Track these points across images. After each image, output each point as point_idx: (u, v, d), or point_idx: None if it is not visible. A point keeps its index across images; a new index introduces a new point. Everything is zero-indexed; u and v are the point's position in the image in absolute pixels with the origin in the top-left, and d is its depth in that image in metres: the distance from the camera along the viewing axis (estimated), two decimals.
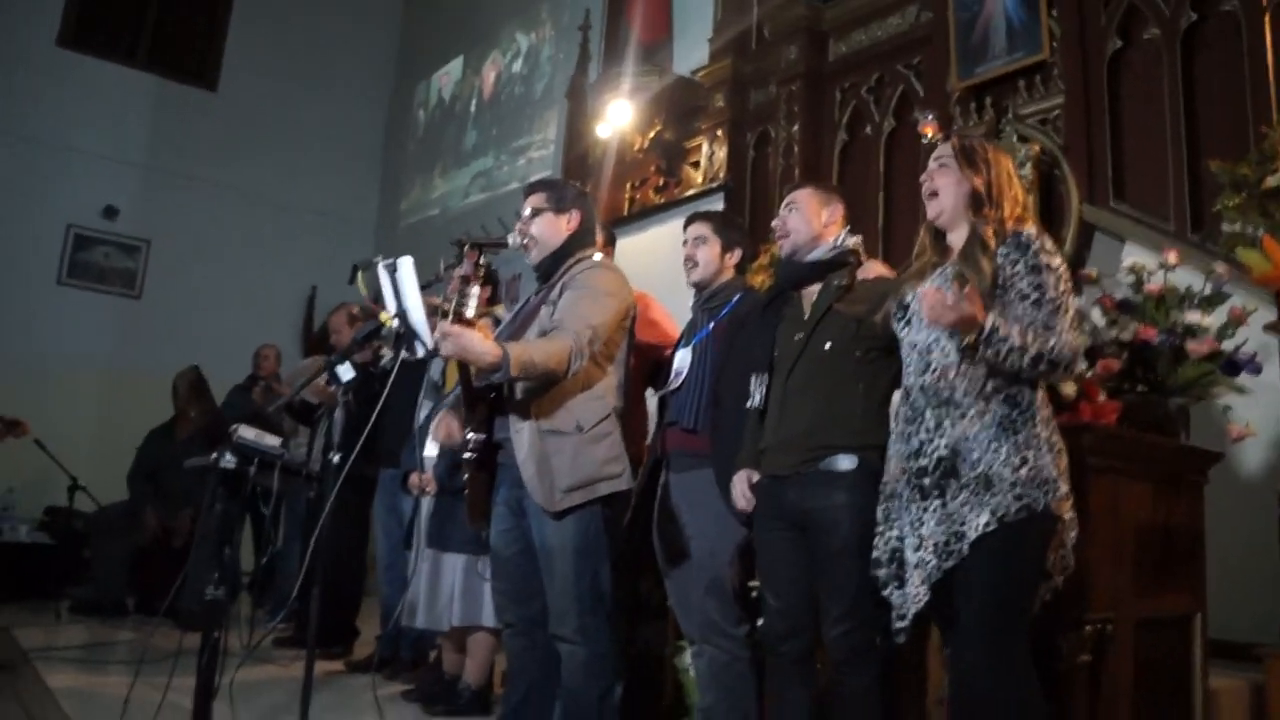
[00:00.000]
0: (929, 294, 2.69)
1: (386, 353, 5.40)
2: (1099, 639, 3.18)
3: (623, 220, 7.79)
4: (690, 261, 3.90)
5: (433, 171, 11.33)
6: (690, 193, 7.45)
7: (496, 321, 3.95)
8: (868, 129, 6.40)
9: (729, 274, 3.92)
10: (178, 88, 10.65)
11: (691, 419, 3.70)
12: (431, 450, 4.53)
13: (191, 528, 6.90)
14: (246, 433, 3.67)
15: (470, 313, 3.15)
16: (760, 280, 5.17)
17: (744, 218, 6.75)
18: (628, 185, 8.14)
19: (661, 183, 7.80)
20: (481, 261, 3.33)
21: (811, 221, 3.46)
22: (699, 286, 3.92)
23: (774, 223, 3.50)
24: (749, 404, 3.38)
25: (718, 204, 7.11)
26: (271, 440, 3.69)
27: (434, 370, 5.00)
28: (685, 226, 3.97)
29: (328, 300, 9.76)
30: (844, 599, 3.04)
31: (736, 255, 3.93)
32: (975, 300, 2.66)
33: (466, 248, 3.36)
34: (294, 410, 5.98)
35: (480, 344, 3.12)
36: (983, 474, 2.72)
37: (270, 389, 7.42)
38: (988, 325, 2.68)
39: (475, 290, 3.19)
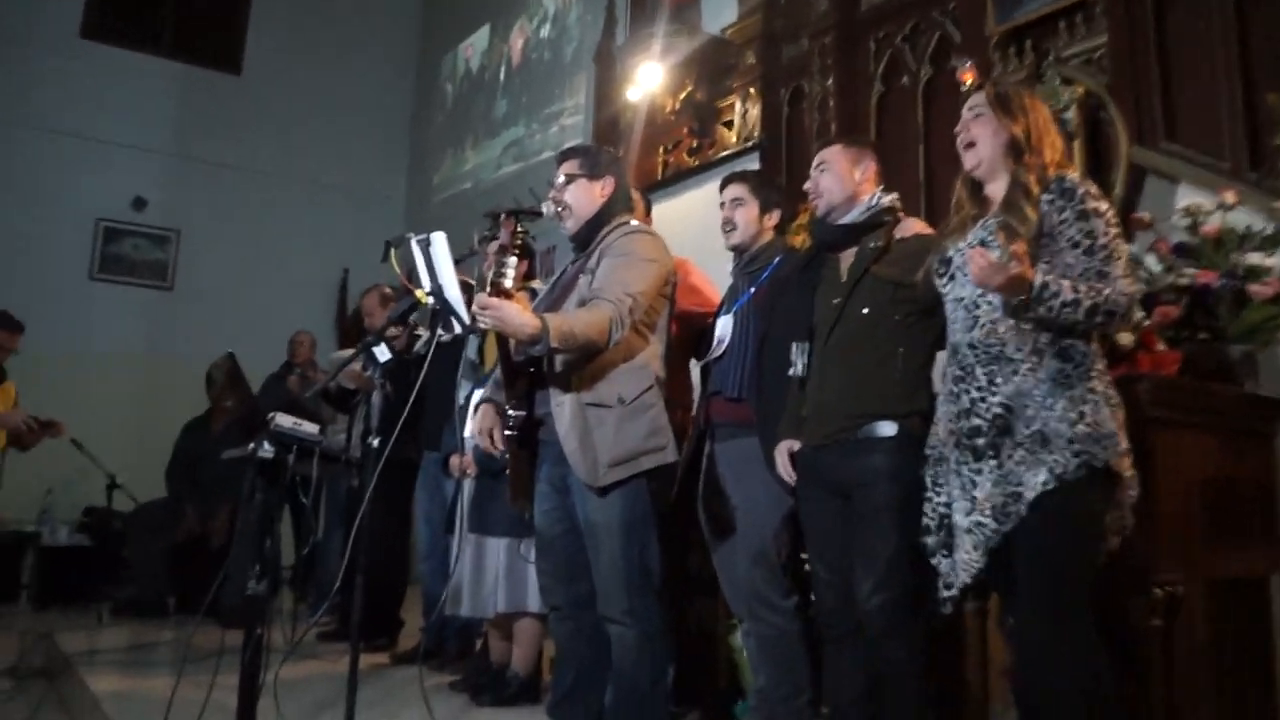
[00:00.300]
0: (975, 255, 2.66)
1: (422, 332, 5.43)
2: (1169, 603, 3.11)
3: (656, 185, 7.68)
4: (728, 224, 3.89)
5: (464, 144, 11.34)
6: (725, 153, 7.33)
7: (533, 295, 3.94)
8: (904, 79, 6.26)
9: (768, 236, 3.91)
10: (202, 73, 10.70)
11: (735, 388, 3.71)
12: (471, 431, 4.38)
13: (231, 523, 6.89)
14: (284, 420, 3.67)
15: (508, 284, 3.14)
16: (800, 240, 5.12)
17: (781, 177, 6.63)
18: (660, 149, 8.03)
19: (695, 144, 7.67)
20: (519, 230, 3.33)
21: (844, 180, 3.44)
22: (738, 250, 3.91)
23: (806, 185, 3.48)
24: (791, 372, 3.38)
25: (753, 164, 6.98)
26: (309, 427, 3.69)
27: (470, 349, 5.01)
28: (721, 188, 3.96)
29: (361, 283, 9.75)
30: (878, 565, 3.02)
31: (775, 216, 3.92)
32: (1024, 258, 2.64)
33: (502, 217, 3.37)
34: (331, 397, 5.97)
35: (519, 315, 3.11)
36: (1038, 431, 2.68)
37: (306, 376, 7.42)
38: (1037, 282, 2.65)
39: (513, 261, 3.18)
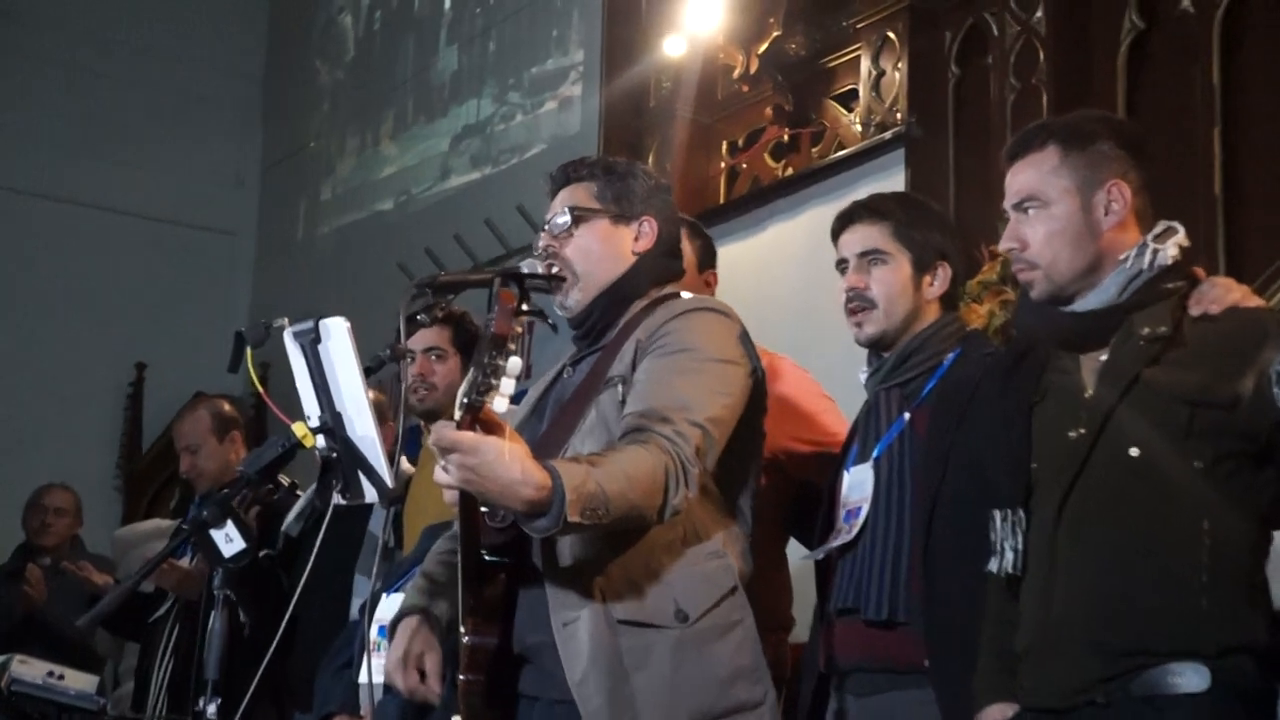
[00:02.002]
0: None
1: (302, 494, 5.51)
2: None
3: (713, 213, 7.51)
4: (858, 300, 3.94)
5: (371, 130, 11.39)
6: (839, 154, 7.19)
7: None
8: (1183, 2, 6.07)
9: (932, 313, 3.96)
10: None
11: (880, 601, 3.72)
12: (380, 675, 4.32)
13: None
14: (27, 673, 3.72)
15: (501, 403, 3.12)
16: (987, 312, 5.26)
17: (947, 197, 6.46)
18: (722, 146, 7.91)
19: (786, 138, 7.54)
20: (525, 305, 3.42)
21: (1077, 229, 3.36)
22: (877, 344, 3.96)
23: (1003, 244, 3.46)
24: (990, 567, 3.34)
25: (893, 176, 6.82)
26: (73, 682, 3.77)
27: (377, 521, 5.10)
28: (838, 230, 4.05)
29: (166, 388, 10.17)
30: None
31: (942, 278, 3.97)
32: None
33: (496, 284, 3.37)
34: (118, 617, 5.83)
35: (512, 466, 3.09)
36: None
37: (62, 571, 7.28)
38: None
39: (514, 365, 3.13)
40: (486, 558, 3.43)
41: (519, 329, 3.28)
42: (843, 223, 4.03)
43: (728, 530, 3.54)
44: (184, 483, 7.08)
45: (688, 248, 4.34)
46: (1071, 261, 3.36)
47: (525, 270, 3.56)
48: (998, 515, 3.35)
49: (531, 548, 3.40)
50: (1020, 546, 3.30)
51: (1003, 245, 3.48)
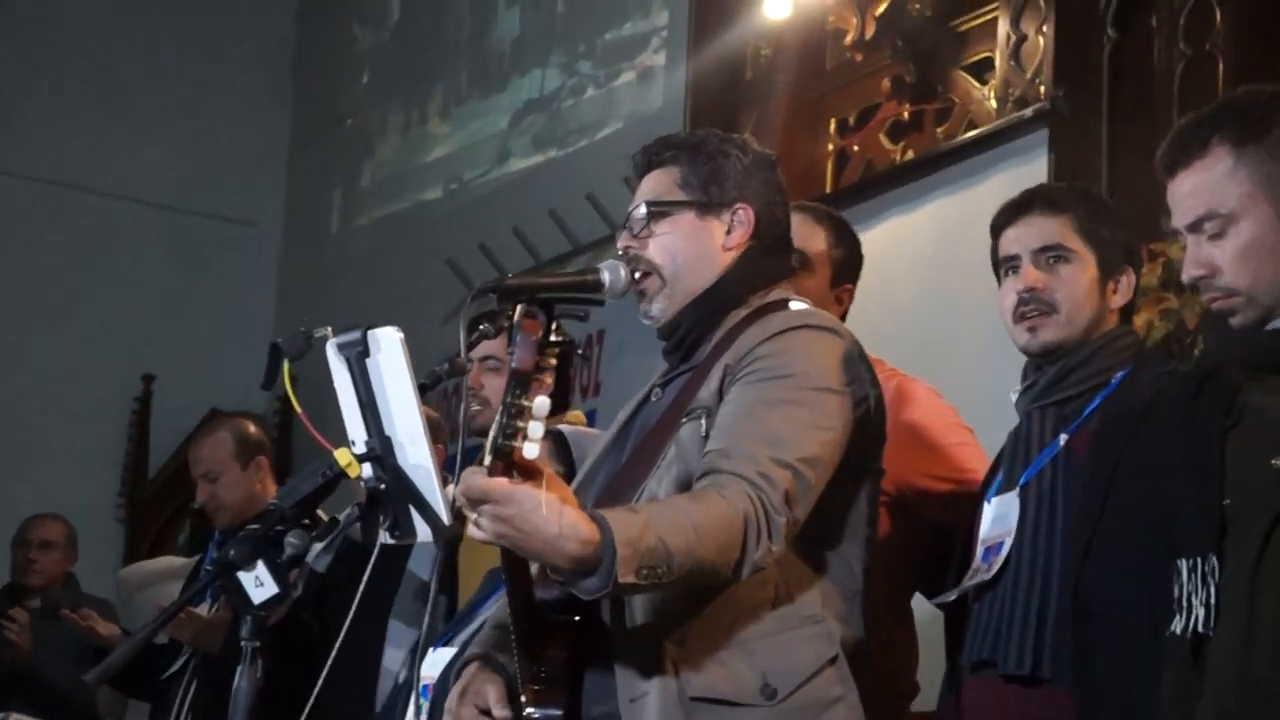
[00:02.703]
0: None
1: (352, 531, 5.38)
2: None
3: (823, 200, 7.19)
4: (1035, 304, 3.93)
5: (421, 106, 11.39)
6: (970, 135, 7.14)
7: (562, 446, 4.24)
8: None
9: (1110, 324, 3.99)
10: None
11: (1022, 653, 3.71)
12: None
13: None
14: None
15: (531, 449, 3.10)
16: (1145, 323, 5.37)
17: (1099, 186, 6.30)
18: (830, 125, 7.92)
19: (906, 115, 7.55)
20: (555, 335, 3.33)
21: (1276, 244, 3.28)
22: (1050, 355, 3.95)
23: (1188, 273, 3.34)
24: (1174, 628, 3.22)
25: (1034, 161, 6.82)
26: None
27: (417, 560, 5.14)
28: (1008, 221, 4.05)
29: (177, 404, 10.29)
30: None
31: (1126, 286, 4.03)
32: None
33: (519, 312, 3.35)
34: (126, 672, 5.69)
35: (552, 519, 3.09)
36: None
37: (58, 612, 7.29)
38: None
39: (541, 404, 3.14)
40: (548, 616, 3.44)
41: (550, 360, 3.25)
42: (1015, 212, 4.02)
43: (828, 589, 3.53)
44: (196, 513, 7.20)
45: (820, 251, 4.52)
46: (1276, 276, 3.28)
47: (606, 276, 3.55)
48: (1184, 565, 3.24)
49: (599, 602, 3.37)
50: (1213, 600, 3.20)
51: (1187, 275, 3.36)
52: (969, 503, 4.11)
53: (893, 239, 7.22)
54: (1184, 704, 3.22)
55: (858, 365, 3.59)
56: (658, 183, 3.74)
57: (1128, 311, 4.03)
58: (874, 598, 3.63)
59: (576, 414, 5.21)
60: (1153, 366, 3.89)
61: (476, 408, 4.87)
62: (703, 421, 3.50)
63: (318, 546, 5.34)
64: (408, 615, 5.14)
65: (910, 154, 7.47)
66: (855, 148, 7.77)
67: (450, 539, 3.53)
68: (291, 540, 3.56)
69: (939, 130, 7.40)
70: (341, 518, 4.64)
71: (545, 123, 10.29)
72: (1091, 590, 3.60)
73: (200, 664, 5.84)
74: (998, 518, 3.86)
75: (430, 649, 4.57)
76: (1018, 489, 3.84)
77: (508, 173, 10.43)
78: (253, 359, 10.54)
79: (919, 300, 6.77)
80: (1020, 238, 3.97)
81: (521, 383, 3.15)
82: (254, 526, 3.55)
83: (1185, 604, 3.18)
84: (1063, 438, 3.82)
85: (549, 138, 10.22)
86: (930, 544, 4.35)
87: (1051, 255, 3.93)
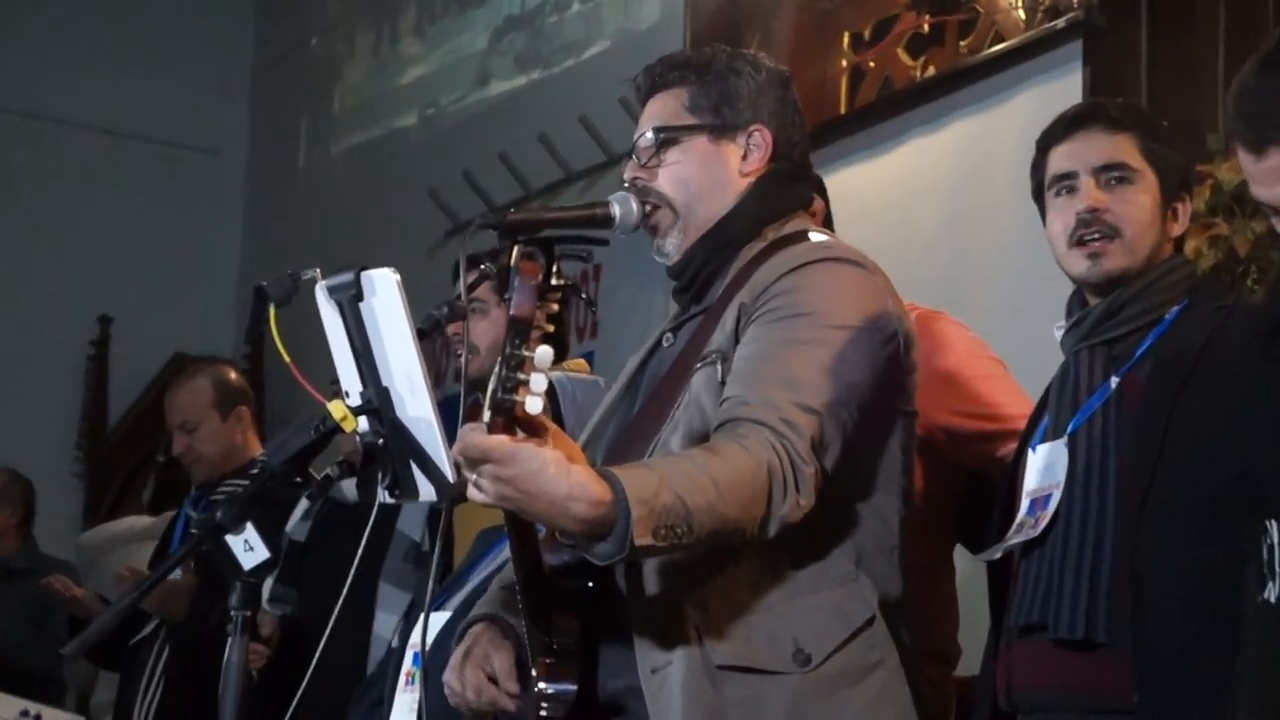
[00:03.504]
0: None
1: (344, 488, 5.45)
2: None
3: (831, 127, 7.57)
4: (1099, 226, 3.88)
5: (392, 24, 11.32)
6: (996, 49, 7.06)
7: (557, 402, 4.19)
8: None
9: (1165, 254, 3.97)
10: None
11: (1074, 616, 3.67)
12: (411, 716, 4.68)
13: None
14: None
15: (534, 403, 3.10)
16: (1193, 251, 5.31)
17: (1139, 99, 6.23)
18: (843, 39, 7.81)
19: (926, 28, 7.46)
20: (556, 278, 3.32)
21: None
22: (1114, 285, 3.92)
23: (1262, 192, 3.17)
24: (1267, 596, 3.16)
25: (1067, 77, 6.75)
26: None
27: (407, 520, 5.28)
28: (1064, 134, 3.98)
29: (138, 348, 10.37)
30: None
31: (1183, 214, 4.02)
32: None
33: (516, 253, 3.33)
34: (101, 644, 5.73)
35: (558, 478, 3.08)
36: None
37: (42, 586, 7.21)
38: None
39: (544, 354, 3.14)
40: (558, 583, 3.46)
41: (553, 305, 3.25)
42: (1072, 126, 3.97)
43: (862, 544, 3.53)
44: (162, 467, 7.22)
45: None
46: None
47: (617, 210, 3.55)
48: (1275, 527, 3.18)
49: (613, 567, 3.37)
50: None
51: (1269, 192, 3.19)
52: (1005, 444, 4.16)
53: (913, 164, 7.24)
54: (1269, 694, 3.21)
55: (885, 299, 3.59)
56: (664, 106, 3.74)
57: (1179, 242, 4.01)
58: (911, 552, 3.65)
59: (578, 361, 5.23)
60: (1208, 301, 3.85)
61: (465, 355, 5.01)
62: (718, 367, 3.50)
63: (298, 513, 5.54)
64: (397, 578, 5.24)
65: (931, 70, 7.34)
66: (871, 64, 7.64)
67: (454, 498, 3.48)
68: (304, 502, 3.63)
69: (962, 44, 7.24)
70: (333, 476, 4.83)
71: (529, 40, 10.23)
72: (1147, 550, 3.58)
73: (171, 630, 5.88)
74: (1045, 468, 3.82)
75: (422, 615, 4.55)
76: (1066, 437, 3.80)
77: (489, 96, 10.40)
78: (218, 299, 10.55)
79: (942, 230, 6.74)
80: (1079, 153, 3.92)
81: (521, 331, 3.13)
82: (237, 482, 3.56)
83: (1268, 562, 3.15)
84: (1114, 380, 3.78)
85: (533, 57, 10.16)
86: (967, 491, 4.38)
87: (1114, 175, 3.87)
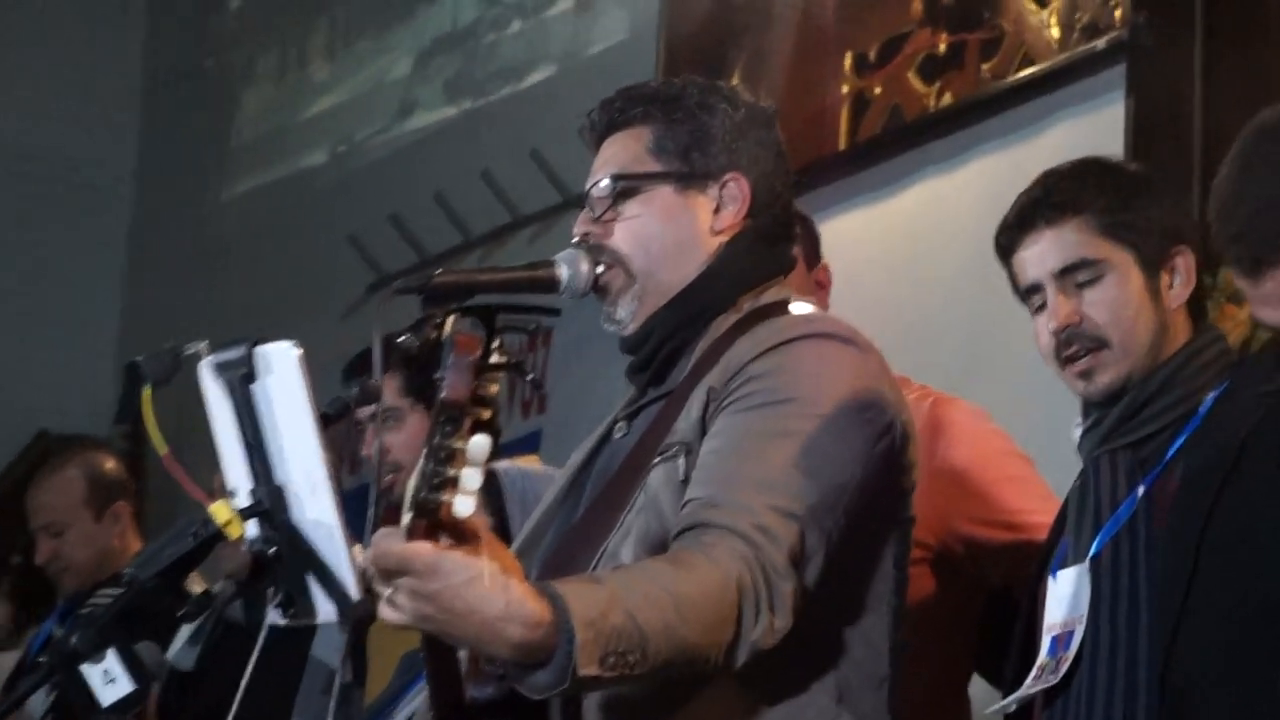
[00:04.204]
0: None
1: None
2: None
3: (829, 165, 7.55)
4: (1078, 343, 3.95)
5: (298, 41, 11.48)
6: (1025, 73, 7.04)
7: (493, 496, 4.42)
8: None
9: (1181, 333, 4.02)
10: None
11: None
12: None
13: None
14: None
15: (464, 504, 2.95)
16: (1249, 320, 5.30)
17: (1190, 135, 6.31)
18: (844, 61, 7.74)
19: (942, 48, 7.47)
20: (498, 359, 3.37)
21: None
22: (1118, 395, 3.94)
23: None
24: None
25: (1108, 108, 6.66)
26: None
27: (323, 644, 5.30)
28: (1012, 245, 4.10)
29: None
30: None
31: (1184, 269, 4.06)
32: None
33: (450, 324, 3.45)
34: None
35: (492, 594, 3.00)
36: None
37: None
38: None
39: (480, 444, 2.97)
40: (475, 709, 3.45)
41: (491, 387, 3.18)
42: (1017, 231, 3.99)
43: (847, 676, 3.50)
44: (20, 572, 7.24)
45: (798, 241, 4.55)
46: None
47: (564, 272, 3.58)
48: None
49: (549, 702, 3.28)
50: None
51: None
52: (1032, 557, 4.10)
53: (927, 207, 7.18)
54: None
55: (880, 384, 3.57)
56: (623, 149, 3.73)
57: (1199, 302, 4.00)
58: (908, 686, 3.62)
59: (530, 458, 5.26)
60: (1253, 383, 3.64)
61: (391, 475, 4.80)
62: (680, 461, 3.46)
63: (183, 635, 5.24)
64: (315, 715, 5.20)
65: (948, 98, 7.26)
66: (877, 90, 7.56)
67: (361, 619, 3.50)
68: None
69: (985, 67, 7.15)
70: (216, 593, 4.92)
71: (461, 64, 10.26)
72: (1181, 689, 3.45)
73: None
74: (1065, 599, 3.81)
75: None
76: (1087, 560, 3.79)
77: (411, 129, 10.46)
78: (94, 368, 10.44)
79: (960, 287, 6.58)
80: (1036, 260, 3.95)
81: (453, 418, 3.02)
82: (112, 592, 3.74)
83: None
84: (1141, 489, 3.77)
85: (467, 84, 10.18)
86: (988, 609, 4.44)
87: (1078, 278, 3.89)
